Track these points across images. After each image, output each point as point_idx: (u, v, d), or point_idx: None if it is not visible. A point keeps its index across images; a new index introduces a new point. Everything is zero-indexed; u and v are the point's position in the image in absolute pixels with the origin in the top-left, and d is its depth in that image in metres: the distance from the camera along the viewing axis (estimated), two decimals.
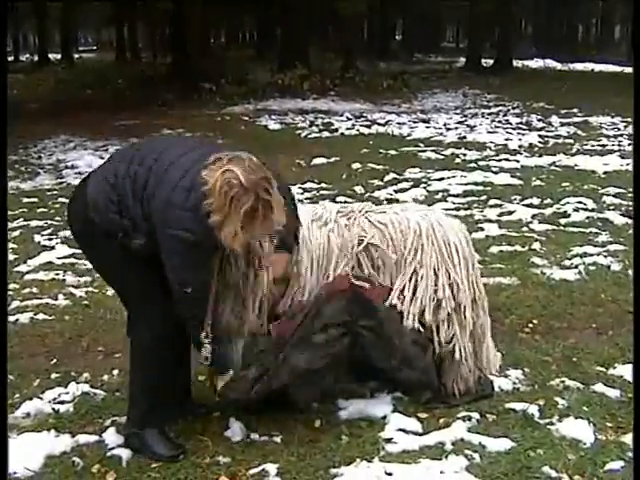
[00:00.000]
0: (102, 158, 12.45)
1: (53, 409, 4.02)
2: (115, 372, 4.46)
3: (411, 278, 3.82)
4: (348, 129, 15.44)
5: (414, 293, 3.82)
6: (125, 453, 3.55)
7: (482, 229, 7.40)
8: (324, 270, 3.82)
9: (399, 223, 3.87)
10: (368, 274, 3.83)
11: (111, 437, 3.68)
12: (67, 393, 4.19)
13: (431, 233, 3.86)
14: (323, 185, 9.84)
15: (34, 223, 8.24)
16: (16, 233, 7.82)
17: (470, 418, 3.79)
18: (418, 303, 3.81)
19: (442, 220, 3.97)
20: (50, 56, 41.62)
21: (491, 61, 30.67)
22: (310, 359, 3.59)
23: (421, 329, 3.81)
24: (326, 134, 14.92)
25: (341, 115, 17.66)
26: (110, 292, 5.88)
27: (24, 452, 3.52)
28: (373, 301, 3.75)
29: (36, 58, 42.60)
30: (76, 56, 44.10)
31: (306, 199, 8.98)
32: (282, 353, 3.58)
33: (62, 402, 4.10)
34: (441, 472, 3.33)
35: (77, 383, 4.29)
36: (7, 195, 6.84)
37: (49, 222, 8.28)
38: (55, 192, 10.14)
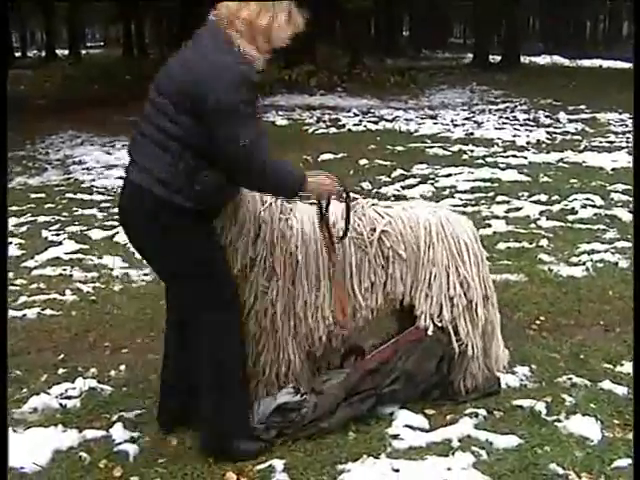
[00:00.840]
0: (109, 154, 12.51)
1: (60, 404, 4.02)
2: (122, 367, 4.47)
3: (425, 277, 3.81)
4: (355, 125, 15.42)
5: (427, 293, 3.81)
6: (132, 448, 3.56)
7: (489, 225, 7.39)
8: (342, 275, 3.73)
9: (408, 219, 3.84)
10: (381, 265, 3.79)
11: (118, 432, 3.68)
12: (74, 388, 4.19)
13: (440, 230, 3.83)
14: None
15: (41, 219, 8.25)
16: (23, 229, 7.83)
17: (477, 415, 3.78)
18: (433, 302, 3.81)
19: (450, 217, 3.94)
20: (57, 52, 41.72)
21: (498, 57, 30.58)
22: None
23: (433, 330, 3.81)
24: (333, 130, 14.90)
25: (348, 111, 17.64)
26: (117, 288, 5.91)
27: (31, 447, 3.52)
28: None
29: (44, 54, 42.67)
30: (83, 52, 44.21)
31: None
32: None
33: (69, 397, 4.11)
34: (448, 469, 3.32)
35: (84, 378, 4.29)
36: (7, 193, 6.83)
37: (56, 217, 8.29)
38: (62, 188, 10.16)
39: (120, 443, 3.61)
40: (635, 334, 3.88)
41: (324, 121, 16.10)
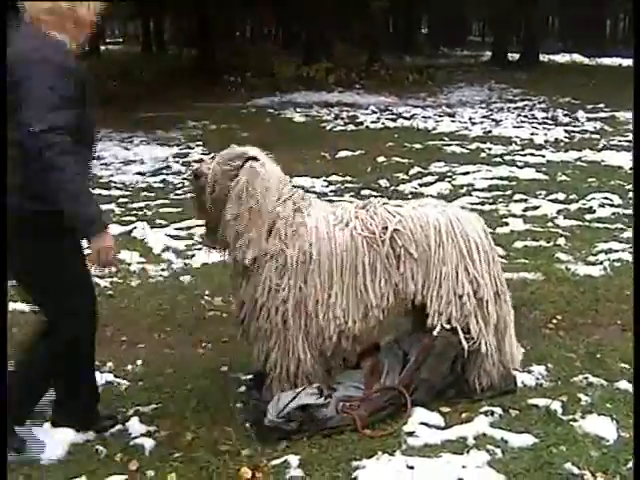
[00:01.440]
0: (127, 149, 12.56)
1: None
2: (138, 362, 4.50)
3: (436, 276, 3.80)
4: (373, 122, 15.41)
5: (438, 292, 3.80)
6: (148, 442, 3.58)
7: (507, 224, 7.37)
8: (354, 273, 3.72)
9: (418, 218, 3.82)
10: (392, 264, 3.77)
11: (134, 426, 3.71)
12: None
13: (450, 229, 3.82)
14: (348, 178, 9.84)
15: None
16: None
17: (492, 413, 3.78)
18: (443, 302, 3.80)
19: (460, 215, 3.93)
20: None
21: (517, 55, 30.44)
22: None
23: (446, 328, 3.81)
24: (351, 127, 14.90)
25: (366, 108, 17.62)
26: (134, 283, 5.94)
27: (49, 440, 3.55)
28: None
29: None
30: (102, 48, 44.33)
31: (331, 192, 8.98)
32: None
33: None
34: (463, 466, 3.32)
35: (101, 372, 4.30)
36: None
37: None
38: None
39: (136, 437, 3.63)
40: (635, 335, 3.84)
41: (342, 118, 16.10)
